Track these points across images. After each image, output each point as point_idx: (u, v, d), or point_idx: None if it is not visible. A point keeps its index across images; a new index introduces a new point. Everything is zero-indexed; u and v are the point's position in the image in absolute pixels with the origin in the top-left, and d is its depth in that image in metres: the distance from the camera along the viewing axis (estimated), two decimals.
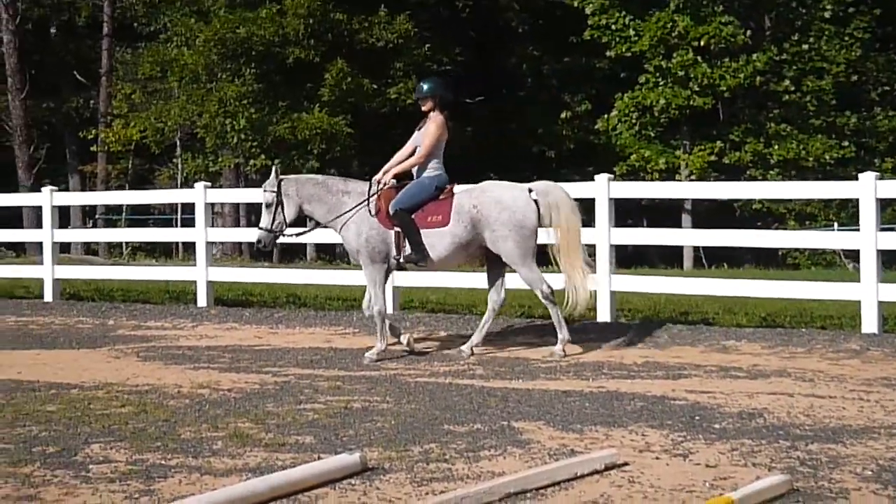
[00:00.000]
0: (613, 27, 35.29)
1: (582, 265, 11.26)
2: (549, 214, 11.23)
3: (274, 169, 11.47)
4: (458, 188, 11.49)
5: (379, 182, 11.35)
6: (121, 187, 43.40)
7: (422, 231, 11.08)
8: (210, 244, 16.53)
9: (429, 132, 11.26)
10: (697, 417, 8.18)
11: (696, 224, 32.95)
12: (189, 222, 36.04)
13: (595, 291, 12.42)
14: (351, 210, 11.26)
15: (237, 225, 35.14)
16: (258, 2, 34.89)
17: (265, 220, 11.36)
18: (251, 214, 38.31)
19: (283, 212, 11.27)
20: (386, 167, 11.48)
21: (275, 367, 10.91)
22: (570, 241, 11.25)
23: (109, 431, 8.01)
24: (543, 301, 11.32)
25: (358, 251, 11.28)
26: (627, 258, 26.16)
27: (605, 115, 36.73)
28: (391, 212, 11.08)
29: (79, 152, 46.49)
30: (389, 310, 13.09)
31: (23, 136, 39.44)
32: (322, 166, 34.28)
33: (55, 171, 46.58)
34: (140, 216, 42.53)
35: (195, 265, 16.75)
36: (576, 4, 35.86)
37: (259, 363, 11.19)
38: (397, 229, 11.10)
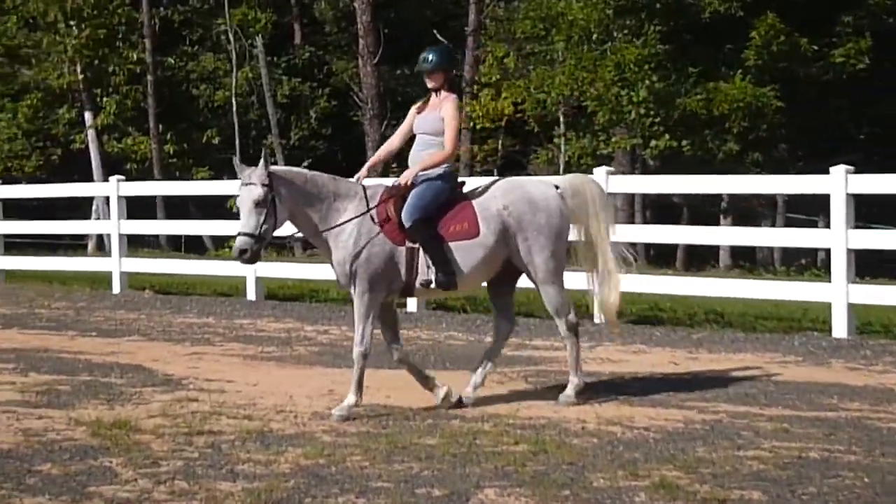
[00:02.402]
0: None
1: (614, 266, 11.34)
2: (581, 215, 11.17)
3: (263, 155, 10.32)
4: (467, 186, 11.21)
5: (403, 185, 10.70)
6: (488, 172, 44.37)
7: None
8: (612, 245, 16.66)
9: (452, 117, 10.76)
10: None
11: None
12: None
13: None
14: (350, 220, 10.44)
15: (632, 221, 35.19)
16: None
17: (250, 223, 10.09)
18: (645, 209, 38.39)
19: (274, 214, 10.18)
20: (415, 168, 10.74)
21: (700, 402, 10.90)
22: (607, 242, 11.28)
23: (504, 474, 8.23)
24: (565, 333, 11.16)
25: (352, 274, 10.38)
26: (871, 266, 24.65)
27: None
28: (407, 224, 10.45)
29: None
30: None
31: (374, 109, 40.86)
32: (743, 149, 33.84)
33: (408, 151, 48.03)
34: None
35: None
36: None
37: (680, 396, 11.21)
38: (410, 245, 10.49)
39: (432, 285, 10.56)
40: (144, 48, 43.12)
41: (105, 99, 43.63)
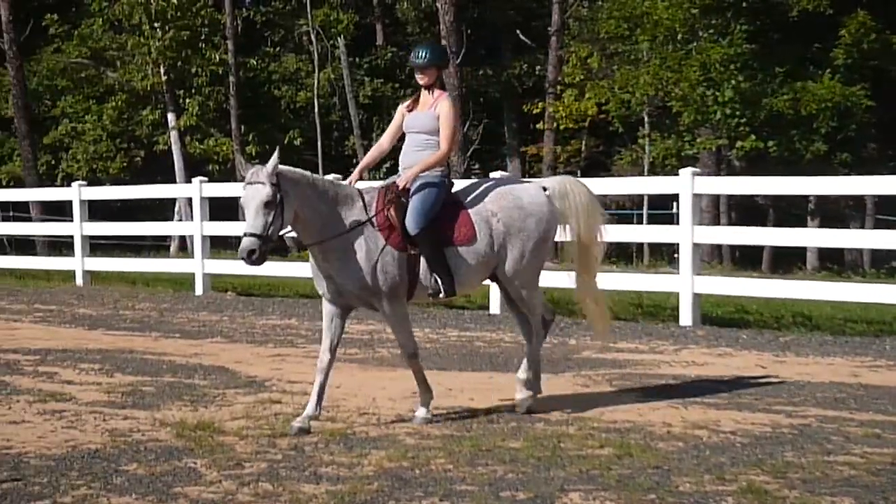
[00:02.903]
0: None
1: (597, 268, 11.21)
2: (569, 217, 10.89)
3: (275, 154, 9.72)
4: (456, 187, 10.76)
5: (402, 188, 10.18)
6: (571, 173, 44.26)
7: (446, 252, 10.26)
8: (696, 247, 16.62)
9: (447, 115, 10.24)
10: None
11: None
12: (657, 218, 36.64)
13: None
14: (352, 229, 9.91)
15: (717, 222, 34.97)
16: None
17: (258, 224, 9.51)
18: (731, 211, 38.13)
19: (281, 214, 9.59)
20: (413, 170, 10.24)
21: (788, 406, 10.80)
22: (594, 254, 11.08)
23: (589, 478, 8.21)
24: (539, 329, 10.83)
25: (371, 288, 9.92)
26: None
27: None
28: (414, 232, 9.98)
29: (520, 130, 47.94)
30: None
31: (456, 108, 40.94)
32: (831, 149, 33.56)
33: (491, 153, 48.15)
34: None
35: (675, 273, 16.92)
36: None
37: (767, 400, 11.12)
38: (413, 252, 10.02)
39: (441, 294, 10.19)
40: (227, 49, 43.36)
41: (188, 100, 44.03)
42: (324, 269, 9.91)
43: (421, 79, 10.36)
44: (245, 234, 9.46)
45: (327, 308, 10.12)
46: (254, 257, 9.41)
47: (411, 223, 9.93)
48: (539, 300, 10.81)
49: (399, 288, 10.00)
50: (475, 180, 11.40)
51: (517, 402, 10.58)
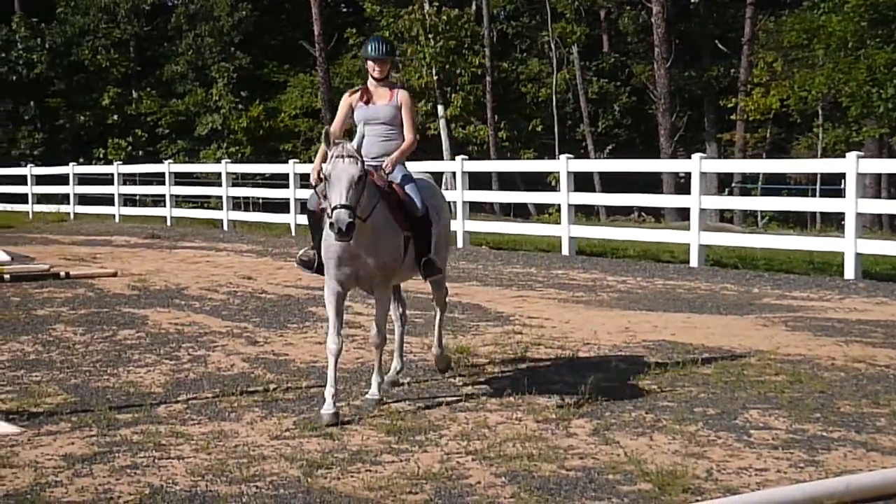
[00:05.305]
0: None
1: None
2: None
3: (360, 130, 8.08)
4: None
5: (387, 174, 8.28)
6: (757, 156, 43.42)
7: None
8: (860, 215, 16.14)
9: (410, 108, 8.59)
10: None
11: None
12: (828, 192, 35.67)
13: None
14: (376, 207, 7.86)
15: (878, 197, 33.84)
16: None
17: (353, 197, 7.41)
18: (891, 187, 36.86)
19: (363, 190, 7.57)
20: (394, 156, 8.36)
21: None
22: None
23: (766, 398, 8.10)
24: (443, 306, 9.27)
25: (390, 266, 8.03)
26: None
27: None
28: (423, 212, 8.33)
29: (717, 120, 47.22)
30: None
31: (666, 104, 40.65)
32: None
33: (692, 139, 47.58)
34: (775, 185, 42.31)
35: (841, 236, 16.47)
36: None
37: None
38: (407, 234, 8.20)
39: (439, 274, 8.74)
40: (484, 55, 43.64)
41: (453, 95, 44.41)
42: (351, 248, 7.70)
43: (377, 71, 8.53)
44: (339, 206, 7.31)
45: (336, 292, 7.94)
46: (352, 230, 7.30)
47: (419, 203, 8.28)
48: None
49: (397, 269, 8.24)
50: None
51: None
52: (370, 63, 8.52)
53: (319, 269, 8.11)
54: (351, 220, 7.24)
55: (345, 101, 8.61)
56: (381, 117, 8.45)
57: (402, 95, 8.54)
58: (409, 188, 8.29)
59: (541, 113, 47.27)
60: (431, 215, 8.46)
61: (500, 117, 45.04)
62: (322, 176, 7.60)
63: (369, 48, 8.54)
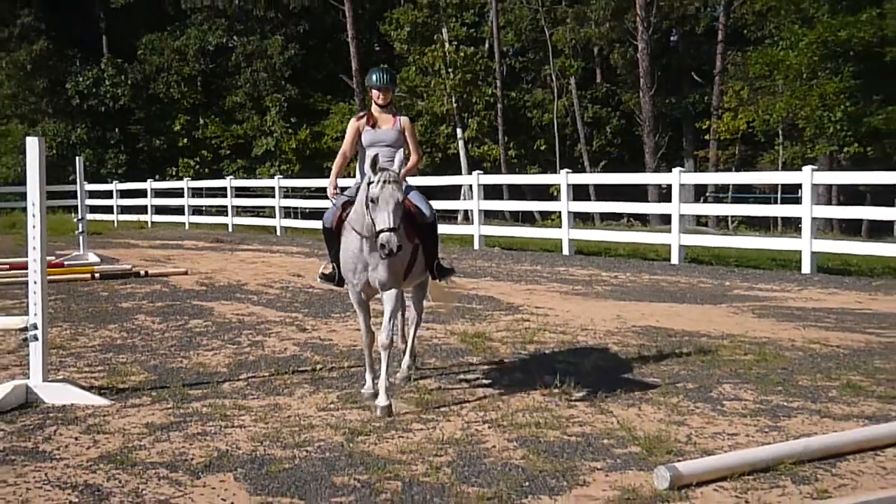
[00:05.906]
0: None
1: None
2: None
3: (399, 154, 7.35)
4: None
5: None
6: (727, 170, 43.18)
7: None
8: (814, 220, 16.06)
9: (413, 133, 8.12)
10: None
11: None
12: (788, 200, 35.48)
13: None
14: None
15: (829, 203, 33.64)
16: (859, 6, 33.04)
17: (396, 220, 6.87)
18: (839, 195, 36.65)
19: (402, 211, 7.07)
20: (403, 171, 7.31)
21: (877, 329, 10.40)
22: None
23: (737, 374, 8.08)
24: (419, 313, 8.59)
25: (400, 275, 7.46)
26: None
27: None
28: (431, 219, 7.86)
29: (694, 140, 46.96)
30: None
31: (650, 126, 40.53)
32: None
33: (673, 156, 47.29)
34: (743, 195, 42.12)
35: (799, 237, 16.41)
36: None
37: (862, 325, 10.71)
38: (416, 243, 7.67)
39: (454, 276, 8.51)
40: (496, 86, 43.55)
41: (470, 120, 44.35)
42: (370, 259, 7.26)
43: (381, 99, 7.98)
44: (388, 230, 6.77)
45: (359, 298, 7.60)
46: (400, 250, 6.86)
47: (426, 209, 7.81)
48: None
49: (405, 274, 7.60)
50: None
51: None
52: (374, 91, 8.01)
53: (341, 282, 7.69)
54: (401, 242, 6.84)
55: (352, 125, 8.05)
56: (387, 140, 7.92)
57: (404, 121, 8.05)
58: (414, 198, 7.80)
59: (544, 134, 47.08)
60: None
61: (509, 138, 44.90)
62: (370, 199, 6.95)
63: (374, 78, 8.01)
